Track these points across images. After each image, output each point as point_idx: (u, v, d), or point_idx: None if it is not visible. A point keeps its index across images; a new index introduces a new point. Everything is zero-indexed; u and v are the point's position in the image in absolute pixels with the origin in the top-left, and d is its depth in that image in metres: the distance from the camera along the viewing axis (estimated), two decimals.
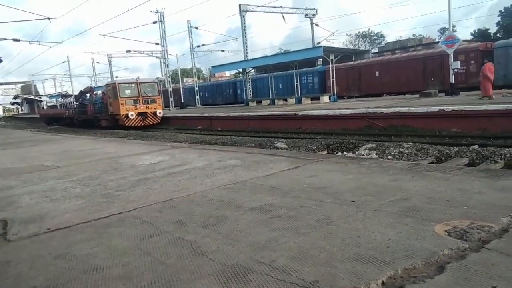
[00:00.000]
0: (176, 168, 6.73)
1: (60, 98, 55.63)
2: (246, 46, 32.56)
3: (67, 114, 38.04)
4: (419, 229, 3.09)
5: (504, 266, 2.39)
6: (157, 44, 39.86)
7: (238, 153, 8.21)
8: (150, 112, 27.27)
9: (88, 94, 34.97)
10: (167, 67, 40.88)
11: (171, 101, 42.36)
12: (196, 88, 41.41)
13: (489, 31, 45.84)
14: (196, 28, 39.94)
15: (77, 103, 35.78)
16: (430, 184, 4.46)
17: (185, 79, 59.58)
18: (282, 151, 9.68)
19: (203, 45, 42.54)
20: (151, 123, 27.19)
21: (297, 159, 6.76)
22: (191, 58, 41.34)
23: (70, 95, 47.04)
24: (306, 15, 34.02)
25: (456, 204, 3.64)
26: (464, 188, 4.17)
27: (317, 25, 34.52)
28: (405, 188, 4.35)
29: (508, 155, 7.90)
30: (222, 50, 45.98)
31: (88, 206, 4.64)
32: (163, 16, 38.56)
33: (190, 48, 41.01)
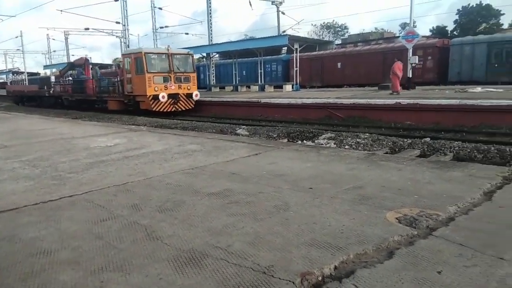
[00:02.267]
0: (133, 152, 6.54)
1: (11, 75, 51.73)
2: (211, 30, 32.02)
3: (51, 92, 30.46)
4: (372, 216, 3.19)
5: (449, 252, 2.52)
6: (118, 23, 38.31)
7: (199, 138, 8.11)
8: (183, 94, 20.10)
9: (80, 69, 28.20)
10: (128, 47, 39.46)
11: None
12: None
13: (447, 28, 47.81)
14: (160, 8, 38.77)
15: (69, 79, 28.96)
16: (384, 174, 4.61)
17: None
18: (243, 137, 9.67)
19: (166, 26, 41.35)
20: (184, 109, 20.33)
21: (257, 146, 6.77)
22: (154, 39, 40.19)
23: (22, 72, 43.02)
24: (272, 2, 33.91)
25: (407, 193, 3.79)
26: (415, 178, 4.35)
27: (283, 13, 34.52)
28: (360, 177, 4.47)
29: (457, 148, 8.32)
30: (186, 33, 44.93)
31: (37, 188, 4.42)
32: None
33: (153, 29, 39.80)
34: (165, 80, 19.52)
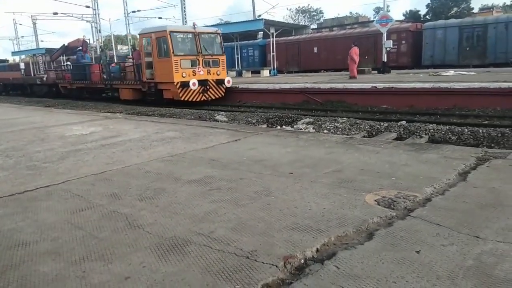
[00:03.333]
0: (110, 140, 6.41)
1: None
2: (185, 15, 31.42)
3: (44, 79, 26.44)
4: (352, 199, 3.25)
5: (427, 232, 2.60)
6: (88, 7, 37.07)
7: (177, 125, 8.02)
8: (213, 80, 16.87)
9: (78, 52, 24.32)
10: (99, 32, 38.29)
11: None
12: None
13: (420, 12, 48.46)
14: None
15: (68, 64, 25.28)
16: (362, 157, 4.68)
17: (119, 46, 56.42)
18: (222, 123, 9.62)
19: (138, 10, 40.30)
20: (214, 97, 17.18)
21: (237, 132, 6.75)
22: (126, 24, 39.13)
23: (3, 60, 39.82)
24: None
25: (385, 175, 3.87)
26: (392, 161, 4.44)
27: None
28: (339, 161, 4.53)
29: (432, 130, 8.53)
30: (160, 18, 43.88)
31: (12, 178, 4.29)
32: None
33: (125, 13, 38.72)
34: (193, 64, 16.13)
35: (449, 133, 8.18)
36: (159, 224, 2.90)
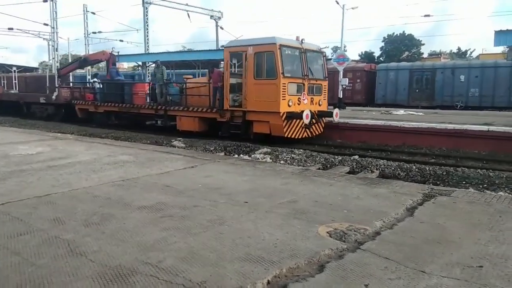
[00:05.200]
0: (58, 161, 6.11)
1: None
2: (148, 39, 31.27)
3: (53, 97, 20.03)
4: (305, 230, 3.26)
5: (375, 265, 2.64)
6: (46, 24, 36.04)
7: (132, 148, 7.80)
8: (315, 112, 12.75)
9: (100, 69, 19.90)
10: (56, 51, 37.18)
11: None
12: (89, 77, 38.31)
13: (374, 54, 51.37)
14: (93, 13, 37.03)
15: (95, 80, 19.65)
16: (317, 189, 4.75)
17: None
18: (179, 149, 9.47)
19: (99, 32, 39.63)
20: (316, 134, 13.27)
21: (194, 159, 6.67)
22: (85, 44, 38.28)
23: None
24: (211, 16, 34.07)
25: (338, 208, 3.93)
26: (345, 194, 4.54)
27: (221, 28, 34.76)
28: (294, 191, 4.57)
29: (383, 165, 8.86)
30: (121, 40, 43.57)
31: None
32: None
33: (85, 33, 37.94)
34: (298, 89, 12.26)
35: (399, 169, 8.52)
36: (104, 251, 2.74)
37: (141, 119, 16.62)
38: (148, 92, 16.01)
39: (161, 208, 3.76)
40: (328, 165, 9.10)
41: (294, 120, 11.95)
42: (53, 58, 37.90)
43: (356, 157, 9.85)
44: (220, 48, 31.80)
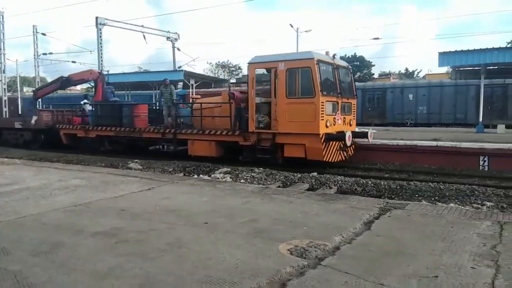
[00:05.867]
0: (3, 188, 5.73)
1: None
2: (102, 60, 30.56)
3: (32, 122, 17.55)
4: (266, 249, 3.23)
5: (336, 281, 2.65)
6: None
7: (85, 172, 7.48)
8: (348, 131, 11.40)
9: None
10: (3, 72, 35.47)
11: (5, 112, 36.58)
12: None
13: None
14: (44, 34, 35.80)
15: (85, 102, 17.55)
16: (277, 207, 4.76)
17: (25, 88, 52.55)
18: (135, 171, 9.19)
19: (50, 53, 38.27)
20: (349, 156, 12.28)
21: (151, 181, 6.49)
22: (35, 65, 36.82)
23: None
24: (168, 38, 33.99)
25: (298, 225, 3.94)
26: (305, 210, 4.57)
27: (178, 49, 34.72)
28: (255, 210, 4.54)
29: (340, 181, 9.06)
30: (74, 61, 42.10)
31: None
32: (2, 16, 33.59)
33: (34, 55, 36.54)
34: (333, 108, 11.16)
35: (355, 185, 8.74)
36: (54, 282, 2.57)
37: (142, 144, 14.77)
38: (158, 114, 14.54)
39: (116, 233, 3.60)
40: (288, 183, 9.17)
41: (332, 143, 10.93)
42: (0, 81, 36.04)
43: (315, 173, 10.00)
44: (178, 69, 31.70)
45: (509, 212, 5.86)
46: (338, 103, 11.26)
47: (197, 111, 13.42)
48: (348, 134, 10.87)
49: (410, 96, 24.68)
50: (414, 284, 2.60)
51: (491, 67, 19.08)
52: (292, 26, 26.30)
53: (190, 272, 2.75)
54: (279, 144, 11.24)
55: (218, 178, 9.40)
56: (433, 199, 7.26)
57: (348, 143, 11.06)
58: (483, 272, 2.77)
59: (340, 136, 10.95)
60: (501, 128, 17.09)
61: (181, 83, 31.29)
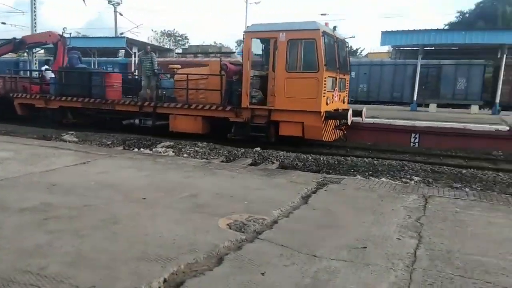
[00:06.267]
0: None
1: None
2: (35, 22, 28.16)
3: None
4: (205, 224, 3.23)
5: (272, 254, 2.72)
6: None
7: (13, 144, 6.96)
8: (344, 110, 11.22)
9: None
10: None
11: None
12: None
13: None
14: None
15: (46, 68, 15.09)
16: (219, 181, 4.76)
17: None
18: (70, 144, 8.71)
19: None
20: (343, 134, 11.90)
21: (87, 154, 6.19)
22: None
23: None
24: (109, 1, 31.98)
25: (238, 200, 3.98)
26: (246, 185, 4.62)
27: (121, 14, 32.89)
28: (196, 185, 4.51)
29: (282, 157, 9.25)
30: (3, 23, 38.40)
31: None
32: None
33: None
34: (333, 85, 10.59)
35: (297, 160, 8.98)
36: None
37: (114, 117, 13.15)
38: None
39: (46, 210, 3.41)
40: (232, 158, 9.20)
41: (330, 121, 10.43)
42: None
43: (258, 149, 10.11)
44: (120, 36, 30.06)
45: (434, 186, 6.35)
46: (336, 79, 10.72)
47: (180, 82, 12.16)
48: (350, 112, 10.55)
49: (353, 73, 25.49)
50: (345, 254, 2.74)
51: (428, 48, 20.19)
52: None
53: (124, 249, 2.69)
54: (273, 121, 10.56)
55: (160, 152, 9.21)
56: (367, 174, 7.66)
57: (349, 121, 10.77)
58: (407, 243, 2.98)
59: (342, 114, 10.59)
60: (432, 107, 18.32)
61: (123, 51, 29.82)
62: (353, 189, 4.60)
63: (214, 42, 51.77)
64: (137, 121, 12.49)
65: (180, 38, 59.05)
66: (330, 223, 3.39)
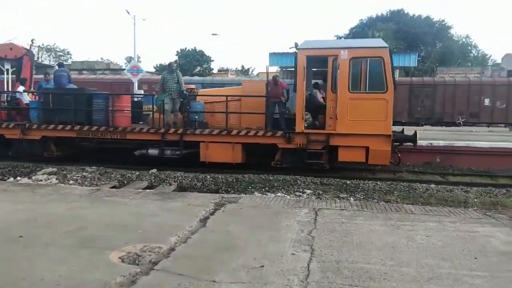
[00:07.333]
0: None
1: None
2: None
3: None
4: (94, 260, 2.98)
5: (170, 285, 2.61)
6: None
7: None
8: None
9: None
10: None
11: None
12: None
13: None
14: None
15: (25, 91, 11.31)
16: (109, 210, 4.45)
17: None
18: None
19: None
20: (398, 158, 10.33)
21: None
22: None
23: None
24: None
25: (132, 229, 3.76)
26: (140, 212, 4.40)
27: None
28: (83, 217, 4.14)
29: (180, 177, 9.03)
30: None
31: None
32: None
33: None
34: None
35: (195, 180, 8.86)
36: None
37: (123, 147, 10.60)
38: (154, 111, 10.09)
39: None
40: (125, 182, 8.69)
41: (393, 144, 9.51)
42: None
43: (154, 170, 9.75)
44: None
45: (323, 199, 6.82)
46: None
47: (211, 105, 10.41)
48: (416, 134, 9.82)
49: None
50: (243, 276, 2.76)
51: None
52: (128, 13, 24.99)
53: None
54: (334, 147, 9.36)
55: (41, 180, 8.30)
56: (263, 189, 7.90)
57: (416, 145, 10.00)
58: (301, 257, 3.13)
59: (410, 137, 9.79)
60: None
61: None
62: (250, 207, 4.70)
63: (101, 58, 49.10)
64: (155, 151, 10.25)
65: (61, 54, 54.64)
66: (229, 244, 3.40)
